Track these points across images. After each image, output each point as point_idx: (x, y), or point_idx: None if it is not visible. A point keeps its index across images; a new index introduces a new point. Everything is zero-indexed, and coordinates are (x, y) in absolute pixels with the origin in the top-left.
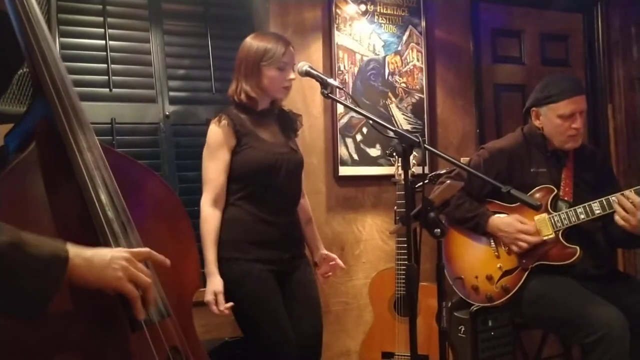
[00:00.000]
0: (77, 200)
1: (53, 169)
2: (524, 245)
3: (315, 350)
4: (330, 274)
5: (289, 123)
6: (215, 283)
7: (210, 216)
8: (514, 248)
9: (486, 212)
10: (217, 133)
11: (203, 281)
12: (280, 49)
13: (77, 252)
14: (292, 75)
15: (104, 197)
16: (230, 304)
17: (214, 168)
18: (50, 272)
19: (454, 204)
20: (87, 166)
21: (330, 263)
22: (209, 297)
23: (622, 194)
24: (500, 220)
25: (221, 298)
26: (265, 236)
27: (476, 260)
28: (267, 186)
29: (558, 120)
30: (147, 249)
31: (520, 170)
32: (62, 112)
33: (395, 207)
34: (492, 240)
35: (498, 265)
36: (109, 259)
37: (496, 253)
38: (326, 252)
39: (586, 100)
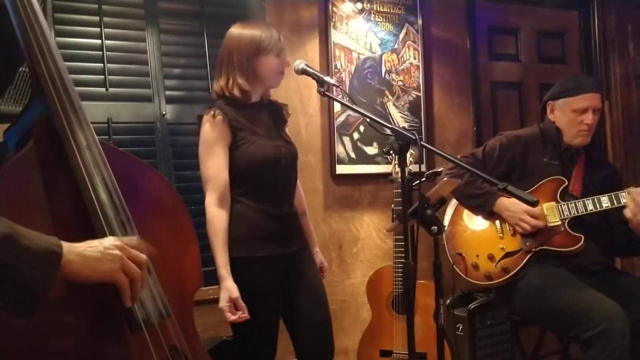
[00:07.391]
0: (76, 199)
1: (51, 167)
2: (527, 226)
3: (329, 342)
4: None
5: (278, 114)
6: (229, 288)
7: (216, 217)
8: (518, 228)
9: (496, 192)
10: (212, 129)
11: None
12: (275, 34)
13: (69, 248)
14: (287, 60)
15: (103, 196)
16: (247, 315)
17: (214, 165)
18: (44, 266)
19: (466, 180)
20: (86, 165)
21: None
22: (223, 304)
23: (636, 189)
24: (508, 201)
25: (239, 303)
26: (270, 230)
27: (479, 239)
28: (267, 180)
29: (571, 114)
30: (135, 238)
31: (534, 158)
32: (60, 109)
33: (393, 205)
34: (497, 221)
35: (500, 246)
36: (102, 250)
37: (500, 234)
38: (319, 255)
39: (601, 100)
